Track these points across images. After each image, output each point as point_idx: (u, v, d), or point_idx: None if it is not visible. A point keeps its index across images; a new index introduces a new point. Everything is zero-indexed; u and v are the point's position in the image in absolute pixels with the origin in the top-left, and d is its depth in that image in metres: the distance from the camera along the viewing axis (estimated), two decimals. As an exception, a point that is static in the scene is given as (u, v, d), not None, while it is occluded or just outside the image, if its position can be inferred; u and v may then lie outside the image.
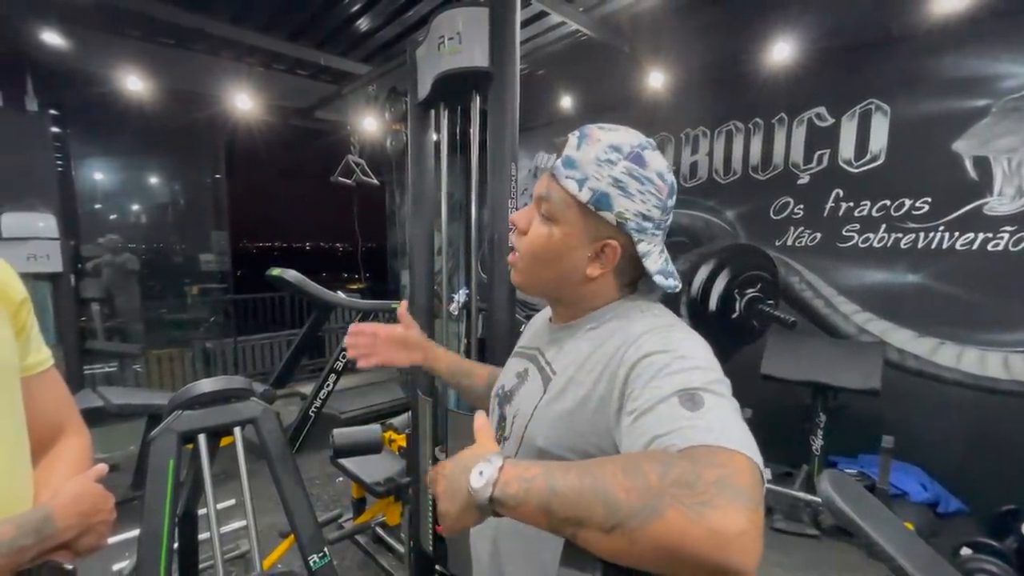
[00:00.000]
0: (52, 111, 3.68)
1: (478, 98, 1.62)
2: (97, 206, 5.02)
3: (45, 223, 3.51)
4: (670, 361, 0.55)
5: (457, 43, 1.46)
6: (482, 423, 0.63)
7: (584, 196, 0.64)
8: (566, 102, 4.20)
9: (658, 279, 0.67)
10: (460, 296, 2.01)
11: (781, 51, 2.97)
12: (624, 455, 0.51)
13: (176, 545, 1.35)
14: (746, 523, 0.39)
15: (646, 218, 0.65)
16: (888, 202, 2.86)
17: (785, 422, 2.95)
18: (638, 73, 3.49)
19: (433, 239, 1.89)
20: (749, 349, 3.39)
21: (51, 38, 3.03)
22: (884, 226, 2.88)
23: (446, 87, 1.60)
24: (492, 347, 1.55)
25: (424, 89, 1.66)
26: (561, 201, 0.66)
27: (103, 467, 0.74)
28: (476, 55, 1.45)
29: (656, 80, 3.47)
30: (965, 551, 2.12)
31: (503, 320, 1.53)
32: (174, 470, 1.24)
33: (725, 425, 0.47)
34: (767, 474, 2.87)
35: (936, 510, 2.58)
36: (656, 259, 0.67)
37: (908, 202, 2.79)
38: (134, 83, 3.47)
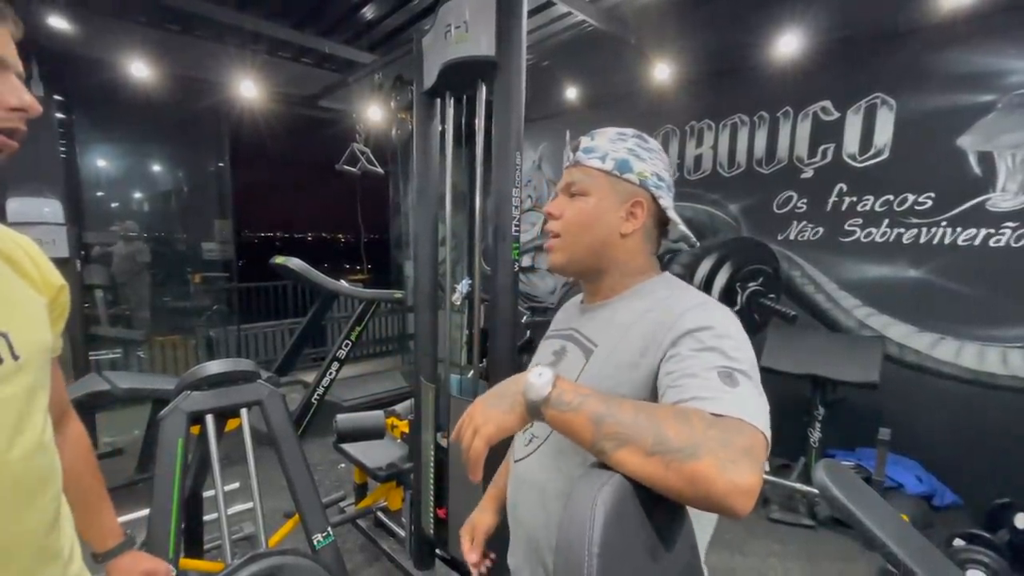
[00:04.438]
0: (57, 96, 3.69)
1: (484, 88, 1.63)
2: (100, 193, 5.02)
3: (51, 208, 3.52)
4: (714, 338, 0.64)
5: (464, 31, 1.47)
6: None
7: (608, 165, 0.77)
8: (571, 93, 4.18)
9: (682, 227, 0.81)
10: (463, 287, 2.03)
11: (787, 44, 2.96)
12: (675, 406, 0.59)
13: (183, 526, 1.38)
14: (755, 483, 0.50)
15: (660, 178, 0.79)
16: (891, 197, 2.86)
17: (784, 414, 2.96)
18: (643, 65, 3.48)
19: (437, 229, 1.91)
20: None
21: (57, 23, 3.03)
22: (887, 221, 2.89)
23: (452, 76, 1.61)
24: (494, 338, 1.57)
25: (430, 78, 1.67)
26: (589, 177, 0.79)
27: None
28: (483, 44, 1.46)
29: (661, 72, 3.45)
30: (958, 542, 2.14)
31: (505, 311, 1.55)
32: (183, 449, 1.27)
33: (753, 405, 0.58)
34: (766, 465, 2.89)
35: (931, 502, 2.61)
36: (674, 213, 0.80)
37: (911, 197, 2.80)
38: (139, 69, 3.47)
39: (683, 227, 0.81)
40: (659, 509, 0.56)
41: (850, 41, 2.93)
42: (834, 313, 3.13)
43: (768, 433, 0.56)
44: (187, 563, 1.61)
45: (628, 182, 0.77)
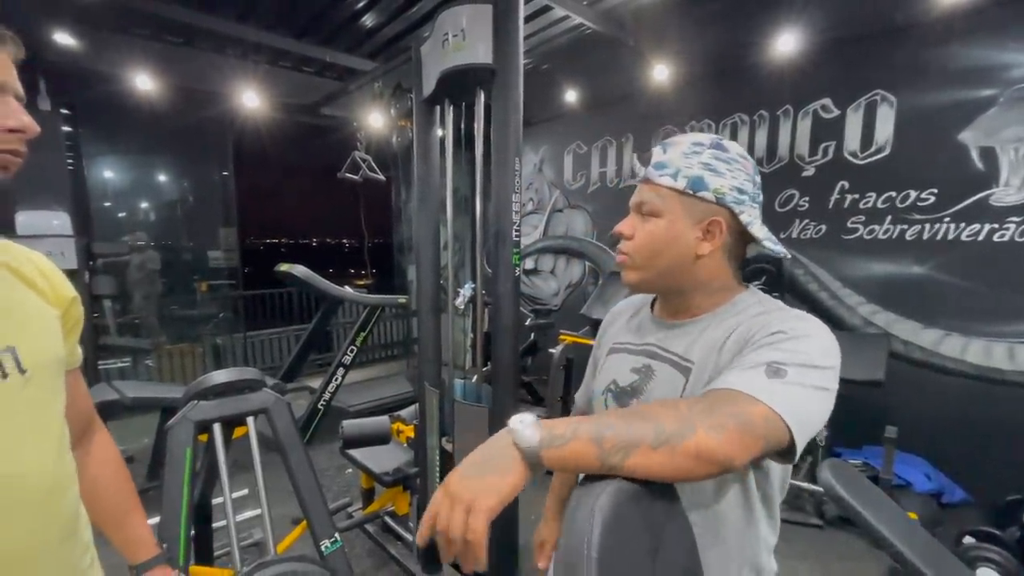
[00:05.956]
0: (64, 111, 3.74)
1: (482, 94, 1.64)
2: (107, 204, 5.09)
3: (59, 221, 3.58)
4: (785, 339, 0.64)
5: (461, 40, 1.48)
6: None
7: (681, 184, 0.72)
8: (571, 96, 4.19)
9: (767, 244, 0.75)
10: (466, 290, 2.04)
11: (786, 42, 2.96)
12: (658, 400, 0.61)
13: (192, 533, 1.39)
14: (739, 438, 0.55)
15: (741, 191, 0.73)
16: (894, 193, 2.85)
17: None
18: (642, 66, 3.49)
19: (439, 234, 1.92)
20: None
21: (63, 38, 3.07)
22: (889, 218, 2.88)
23: (451, 83, 1.62)
24: (497, 341, 1.58)
25: (429, 86, 1.69)
26: (660, 197, 0.74)
27: None
28: (480, 51, 1.47)
29: (660, 73, 3.46)
30: (968, 540, 2.13)
31: (507, 315, 1.56)
32: (191, 458, 1.28)
33: (782, 394, 0.58)
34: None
35: (940, 500, 2.59)
36: (760, 228, 0.75)
37: (914, 193, 2.79)
38: (143, 82, 3.51)
39: (769, 243, 0.75)
40: (658, 512, 0.57)
41: (849, 38, 2.93)
42: (838, 311, 3.12)
43: (784, 413, 0.57)
44: (197, 570, 1.63)
45: (703, 200, 0.72)
